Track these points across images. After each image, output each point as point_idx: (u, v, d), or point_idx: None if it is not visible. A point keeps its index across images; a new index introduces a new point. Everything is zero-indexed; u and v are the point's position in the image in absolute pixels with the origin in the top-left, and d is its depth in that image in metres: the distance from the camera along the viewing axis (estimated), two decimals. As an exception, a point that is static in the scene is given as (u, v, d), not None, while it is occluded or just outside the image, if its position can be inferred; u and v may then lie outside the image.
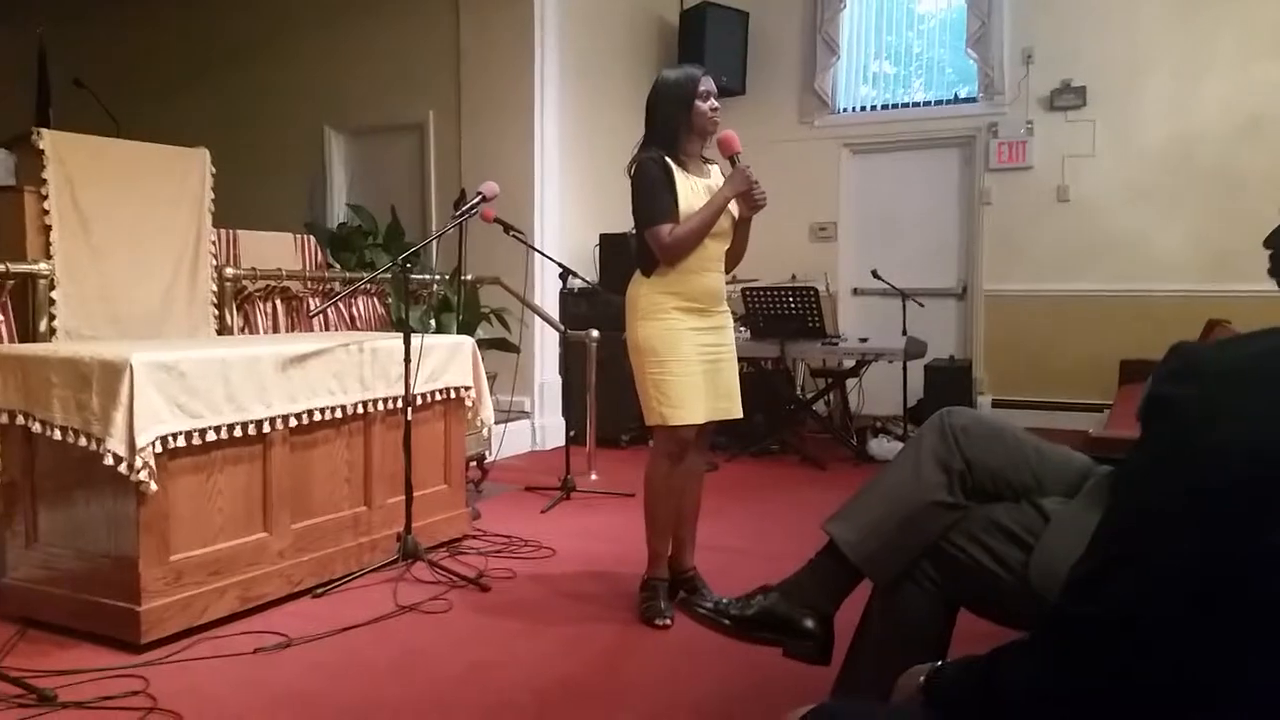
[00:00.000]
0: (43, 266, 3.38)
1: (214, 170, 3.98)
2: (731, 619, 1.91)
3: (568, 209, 6.32)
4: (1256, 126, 6.21)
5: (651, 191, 2.91)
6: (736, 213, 3.00)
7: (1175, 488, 0.83)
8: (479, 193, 3.57)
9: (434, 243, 4.47)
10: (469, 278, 5.35)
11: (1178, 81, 6.43)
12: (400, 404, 3.37)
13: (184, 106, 7.22)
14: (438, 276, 5.15)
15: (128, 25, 7.66)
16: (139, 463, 2.58)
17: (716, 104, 2.98)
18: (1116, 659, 0.91)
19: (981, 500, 1.80)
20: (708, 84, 2.97)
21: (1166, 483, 0.85)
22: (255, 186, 6.58)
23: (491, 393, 5.17)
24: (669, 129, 2.96)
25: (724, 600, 1.90)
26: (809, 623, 1.86)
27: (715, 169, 3.11)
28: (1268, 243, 1.82)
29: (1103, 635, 0.92)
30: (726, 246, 3.04)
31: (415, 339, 3.38)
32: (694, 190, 2.94)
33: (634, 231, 3.02)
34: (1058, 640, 1.01)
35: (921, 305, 6.00)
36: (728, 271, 3.12)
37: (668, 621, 2.90)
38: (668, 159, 2.93)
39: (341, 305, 4.62)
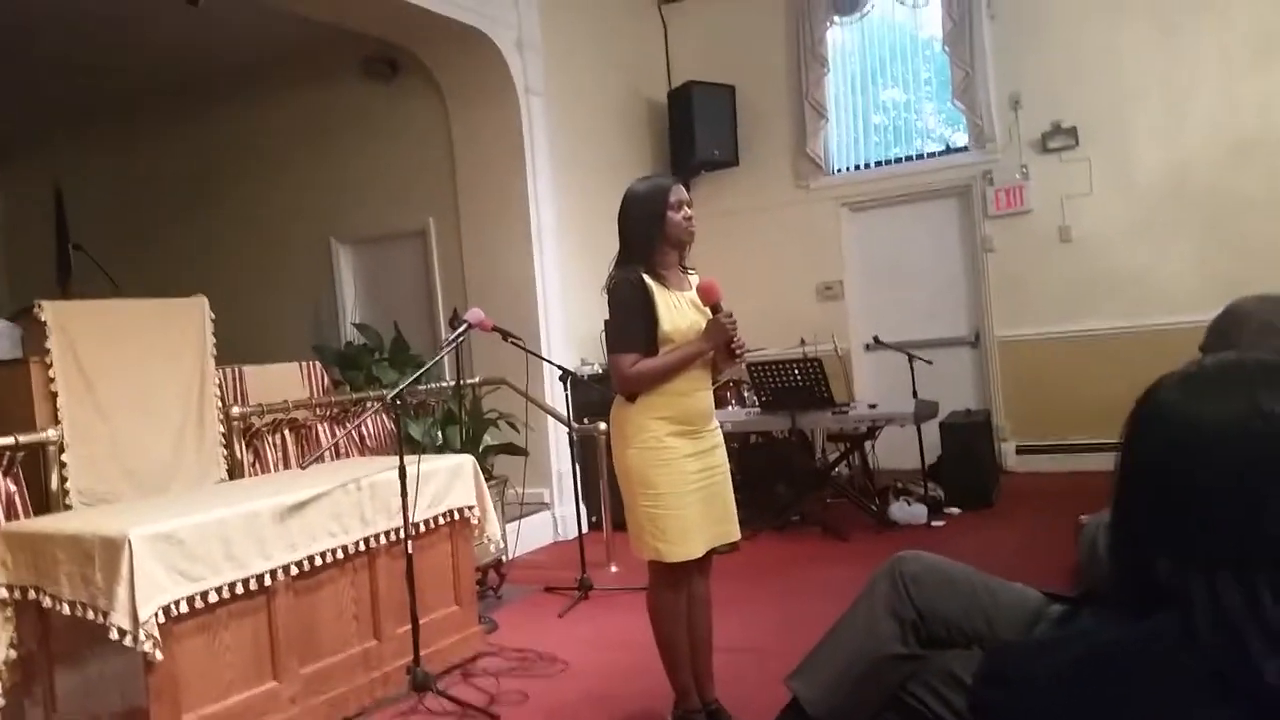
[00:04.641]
0: (50, 434, 3.51)
1: (213, 316, 4.11)
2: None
3: (571, 296, 6.41)
4: (1247, 146, 6.17)
5: (621, 317, 2.80)
6: (712, 358, 2.86)
7: None
8: (465, 321, 3.68)
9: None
10: (476, 380, 5.47)
11: (1166, 109, 6.43)
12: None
13: (190, 238, 7.57)
14: (444, 385, 5.25)
15: (122, 174, 8.04)
16: (143, 635, 2.66)
17: (690, 211, 2.86)
18: None
19: (937, 647, 1.81)
20: (678, 193, 2.84)
21: None
22: (267, 306, 6.82)
23: (509, 487, 5.26)
24: (643, 244, 2.82)
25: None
26: (777, 785, 1.88)
27: (695, 277, 2.95)
28: (1203, 348, 1.85)
29: None
30: (708, 365, 2.89)
31: (412, 468, 3.43)
32: (676, 306, 2.81)
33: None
34: None
35: (929, 363, 5.97)
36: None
37: None
38: (646, 277, 2.79)
39: (349, 425, 4.72)
